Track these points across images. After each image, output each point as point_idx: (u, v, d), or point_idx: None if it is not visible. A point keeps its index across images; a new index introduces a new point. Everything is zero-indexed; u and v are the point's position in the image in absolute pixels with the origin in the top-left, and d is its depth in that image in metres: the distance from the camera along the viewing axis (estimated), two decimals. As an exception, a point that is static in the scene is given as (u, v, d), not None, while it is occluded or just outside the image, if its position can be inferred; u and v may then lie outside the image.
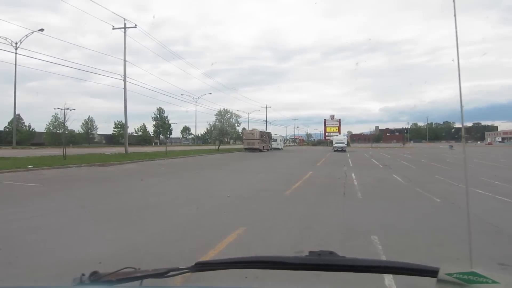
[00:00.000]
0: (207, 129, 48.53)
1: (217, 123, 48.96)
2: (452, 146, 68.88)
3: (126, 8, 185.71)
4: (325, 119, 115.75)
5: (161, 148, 51.55)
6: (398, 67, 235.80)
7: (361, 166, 25.82)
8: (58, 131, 59.71)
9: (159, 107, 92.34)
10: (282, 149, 66.44)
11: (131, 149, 38.49)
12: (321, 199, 10.72)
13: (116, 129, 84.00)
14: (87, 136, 79.92)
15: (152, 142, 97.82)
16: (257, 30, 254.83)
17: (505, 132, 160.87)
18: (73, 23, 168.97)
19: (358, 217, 8.18)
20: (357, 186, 13.71)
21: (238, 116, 50.59)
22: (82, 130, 79.87)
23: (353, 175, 18.64)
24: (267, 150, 56.12)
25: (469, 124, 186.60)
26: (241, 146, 53.98)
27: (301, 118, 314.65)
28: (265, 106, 71.82)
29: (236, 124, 50.83)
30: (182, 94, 66.40)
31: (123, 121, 34.63)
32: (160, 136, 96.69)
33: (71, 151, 30.55)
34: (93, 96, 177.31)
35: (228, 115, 49.07)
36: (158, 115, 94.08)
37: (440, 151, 56.22)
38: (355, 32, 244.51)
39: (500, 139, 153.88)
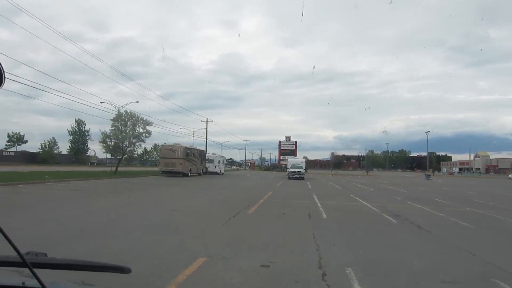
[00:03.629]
0: (99, 141, 31.92)
1: (116, 130, 32.72)
2: (429, 176, 57.16)
3: (84, 26, 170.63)
4: (279, 141, 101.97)
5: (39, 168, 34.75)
6: (352, 97, 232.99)
7: (351, 221, 11.28)
8: None
9: (78, 119, 74.18)
10: (222, 173, 51.05)
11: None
12: None
13: (9, 143, 64.59)
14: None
15: (88, 162, 79.63)
16: (217, 55, 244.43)
17: (461, 163, 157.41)
18: (24, 39, 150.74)
19: None
20: None
21: (148, 123, 33.74)
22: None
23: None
24: (199, 174, 40.64)
25: (423, 154, 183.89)
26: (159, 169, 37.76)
27: (258, 143, 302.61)
28: (206, 121, 56.61)
29: (145, 134, 33.99)
30: (101, 102, 50.77)
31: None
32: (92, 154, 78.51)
33: None
34: (42, 114, 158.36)
35: (133, 120, 33.20)
36: (76, 129, 75.93)
37: (422, 182, 43.70)
38: (313, 61, 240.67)
39: (458, 170, 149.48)
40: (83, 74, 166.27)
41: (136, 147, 34.72)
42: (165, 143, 37.33)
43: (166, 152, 35.04)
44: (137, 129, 33.11)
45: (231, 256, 5.85)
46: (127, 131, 32.45)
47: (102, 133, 32.26)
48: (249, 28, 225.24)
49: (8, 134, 65.81)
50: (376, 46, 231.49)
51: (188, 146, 38.50)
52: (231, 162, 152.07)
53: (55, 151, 75.48)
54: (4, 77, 0.90)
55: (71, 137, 75.18)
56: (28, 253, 1.23)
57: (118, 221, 8.90)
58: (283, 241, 7.23)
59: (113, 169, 33.79)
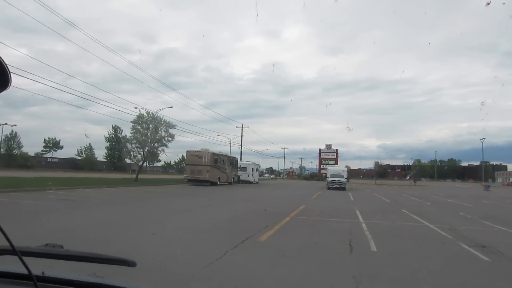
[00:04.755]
0: (119, 144, 29.56)
1: (136, 134, 29.92)
2: (489, 186, 50.78)
3: (133, 38, 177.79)
4: (320, 149, 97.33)
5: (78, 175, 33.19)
6: (396, 106, 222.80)
7: (416, 258, 7.58)
8: None
9: (115, 125, 73.85)
10: (256, 182, 47.60)
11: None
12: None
13: (46, 149, 64.86)
14: (7, 158, 60.23)
15: (129, 169, 79.82)
16: (259, 64, 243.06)
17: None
18: (78, 51, 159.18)
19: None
20: None
21: (171, 126, 31.28)
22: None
23: None
24: (229, 182, 37.52)
25: (475, 163, 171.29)
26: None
27: (299, 153, 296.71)
28: (241, 127, 53.98)
29: (167, 138, 31.61)
30: (136, 108, 49.83)
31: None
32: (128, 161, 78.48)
33: None
34: (93, 123, 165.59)
35: (155, 122, 29.75)
36: (113, 135, 75.71)
37: (483, 193, 37.87)
38: (356, 70, 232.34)
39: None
40: (130, 84, 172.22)
41: (159, 152, 32.09)
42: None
43: (192, 159, 32.13)
44: (160, 132, 30.55)
45: None
46: (148, 134, 29.97)
47: (122, 138, 30.11)
48: (291, 37, 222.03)
49: (44, 139, 66.39)
50: (422, 53, 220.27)
51: (217, 152, 35.46)
52: (270, 170, 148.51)
53: (93, 158, 75.68)
54: (11, 78, 0.83)
55: (107, 144, 75.04)
56: (46, 245, 1.27)
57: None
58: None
59: (145, 176, 31.61)
